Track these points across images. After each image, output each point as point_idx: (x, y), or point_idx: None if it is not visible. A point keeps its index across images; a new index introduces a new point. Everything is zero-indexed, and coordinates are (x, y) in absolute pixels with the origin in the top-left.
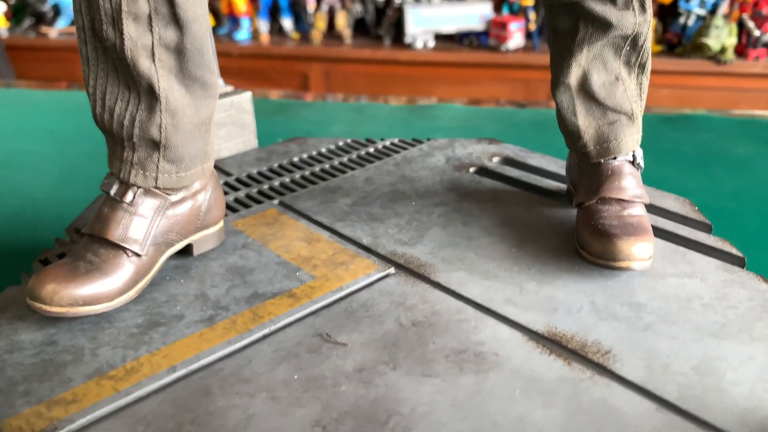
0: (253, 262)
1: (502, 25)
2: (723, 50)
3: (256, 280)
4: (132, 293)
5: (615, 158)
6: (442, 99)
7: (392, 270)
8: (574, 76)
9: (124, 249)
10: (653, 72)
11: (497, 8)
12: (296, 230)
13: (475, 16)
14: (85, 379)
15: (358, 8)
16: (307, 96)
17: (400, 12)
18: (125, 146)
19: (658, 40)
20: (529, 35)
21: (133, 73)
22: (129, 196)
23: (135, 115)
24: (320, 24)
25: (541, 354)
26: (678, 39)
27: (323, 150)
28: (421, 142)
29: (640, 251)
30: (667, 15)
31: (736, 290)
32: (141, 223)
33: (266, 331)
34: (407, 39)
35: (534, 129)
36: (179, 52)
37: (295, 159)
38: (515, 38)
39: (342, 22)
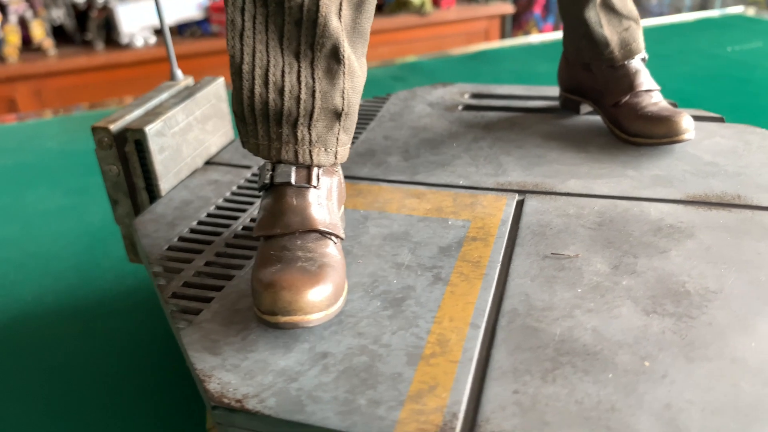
0: (396, 227)
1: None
2: (423, 3)
3: (425, 239)
4: (347, 282)
5: (633, 58)
6: None
7: (518, 196)
8: None
9: (330, 236)
10: (373, 32)
11: None
12: (391, 192)
13: (191, 4)
14: (412, 367)
15: (55, 14)
16: (7, 118)
17: (107, 12)
18: (299, 125)
19: None
20: None
21: (316, 36)
22: (314, 179)
23: (313, 85)
24: (12, 38)
25: (707, 211)
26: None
27: None
28: (386, 98)
29: (690, 123)
30: None
31: (749, 136)
32: (330, 206)
33: (498, 268)
34: (123, 39)
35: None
36: (359, 4)
37: None
38: None
39: (39, 32)
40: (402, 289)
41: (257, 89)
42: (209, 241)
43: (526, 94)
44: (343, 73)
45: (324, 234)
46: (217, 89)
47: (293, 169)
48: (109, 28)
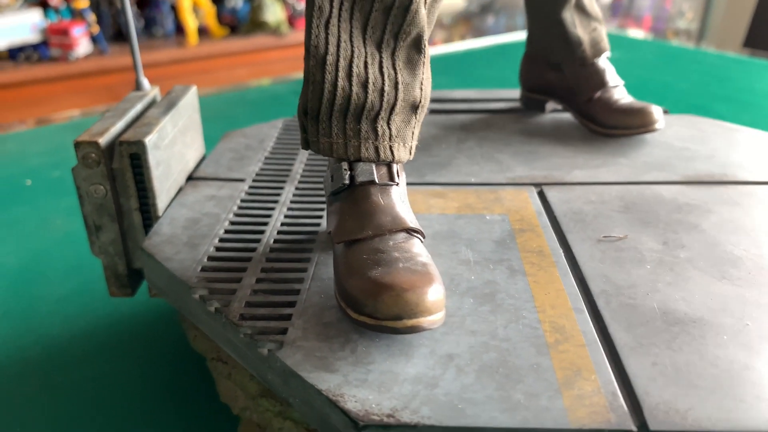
0: (438, 226)
1: (64, 32)
2: (279, 24)
3: (474, 235)
4: None
5: (601, 56)
6: (5, 127)
7: (536, 189)
8: None
9: (416, 234)
10: (214, 56)
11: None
12: (411, 194)
13: (25, 26)
14: (544, 356)
15: None
16: None
17: None
18: (379, 119)
19: (220, 23)
20: (93, 39)
21: (404, 25)
22: (395, 176)
23: (395, 77)
24: None
25: (708, 189)
26: (234, 20)
27: (276, 135)
28: None
29: (660, 114)
30: (215, 0)
31: (699, 124)
32: (407, 203)
33: (563, 255)
34: None
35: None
36: None
37: (269, 148)
38: (82, 44)
39: None
40: (485, 284)
41: (340, 83)
42: (246, 258)
43: (482, 97)
44: (423, 63)
45: (411, 233)
46: (193, 99)
47: (374, 166)
48: None
